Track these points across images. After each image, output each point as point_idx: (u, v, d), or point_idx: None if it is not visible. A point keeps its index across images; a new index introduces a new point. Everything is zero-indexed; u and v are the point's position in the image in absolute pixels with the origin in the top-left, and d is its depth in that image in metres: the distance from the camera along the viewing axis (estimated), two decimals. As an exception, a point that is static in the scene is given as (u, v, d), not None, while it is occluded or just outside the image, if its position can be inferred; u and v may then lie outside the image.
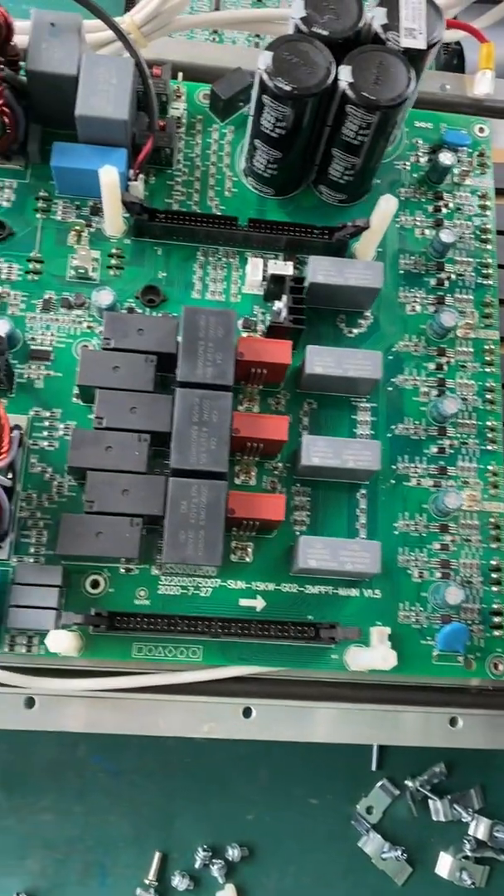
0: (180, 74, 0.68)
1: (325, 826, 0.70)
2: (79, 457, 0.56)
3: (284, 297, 0.61)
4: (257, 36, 0.81)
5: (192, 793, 0.69)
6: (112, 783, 0.70)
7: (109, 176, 0.58)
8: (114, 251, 0.64)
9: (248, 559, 0.59)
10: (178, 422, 0.55)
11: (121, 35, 0.62)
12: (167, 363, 0.58)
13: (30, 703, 0.58)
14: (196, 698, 0.59)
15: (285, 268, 0.62)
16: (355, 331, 0.65)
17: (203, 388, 0.56)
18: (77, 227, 0.63)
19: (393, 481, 0.62)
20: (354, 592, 0.59)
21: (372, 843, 0.69)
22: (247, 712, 0.59)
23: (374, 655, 0.56)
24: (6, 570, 0.56)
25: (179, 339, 0.57)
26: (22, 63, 0.62)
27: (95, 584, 0.58)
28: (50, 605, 0.54)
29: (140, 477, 0.56)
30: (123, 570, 0.58)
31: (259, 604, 0.58)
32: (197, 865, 0.67)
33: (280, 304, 0.61)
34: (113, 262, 0.64)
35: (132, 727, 0.58)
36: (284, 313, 0.60)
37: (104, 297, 0.61)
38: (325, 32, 0.59)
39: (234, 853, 0.67)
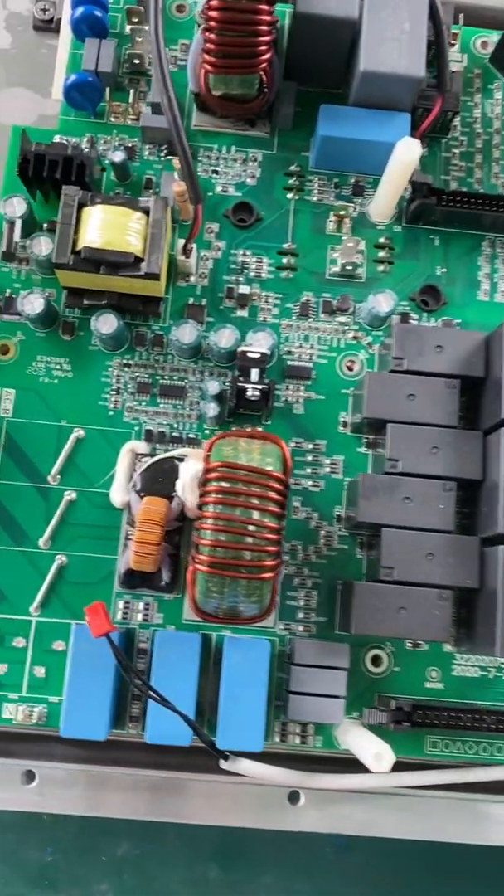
0: (461, 17, 0.55)
1: None
2: (371, 509, 0.45)
3: None
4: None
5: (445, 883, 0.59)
6: (342, 859, 0.61)
7: (410, 152, 0.46)
8: (382, 241, 0.52)
9: None
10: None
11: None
12: (472, 389, 0.47)
13: (294, 797, 0.48)
14: (487, 797, 0.48)
15: None
16: None
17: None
18: (341, 212, 0.51)
19: None
20: None
21: None
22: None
23: None
24: (271, 641, 0.46)
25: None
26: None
27: (377, 661, 0.47)
28: (337, 693, 0.44)
29: (447, 537, 0.44)
30: (410, 645, 0.47)
31: None
32: None
33: None
34: (381, 254, 0.52)
35: (414, 830, 0.48)
36: None
37: (384, 301, 0.49)
38: None
39: None
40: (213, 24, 0.46)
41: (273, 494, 0.39)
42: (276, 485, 0.39)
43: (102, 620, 0.38)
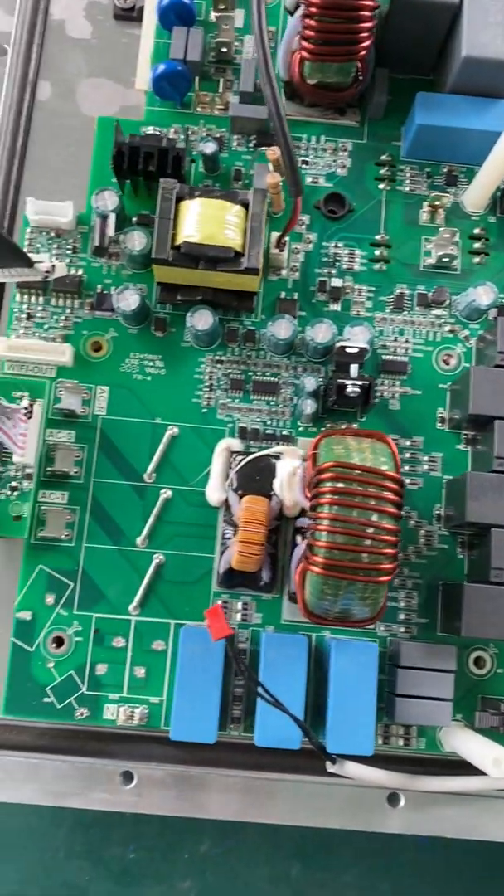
0: None
1: None
2: (479, 509, 0.43)
3: None
4: None
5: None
6: (423, 858, 0.60)
7: (521, 140, 0.45)
8: (476, 232, 0.51)
9: None
10: None
11: None
12: None
13: (393, 799, 0.48)
14: None
15: None
16: None
17: None
18: (436, 202, 0.50)
19: None
20: None
21: None
22: None
23: None
24: (372, 644, 0.45)
25: None
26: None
27: (480, 663, 0.46)
28: (444, 695, 0.43)
29: None
30: (514, 646, 0.47)
31: None
32: None
33: None
34: (476, 245, 0.51)
35: (516, 834, 0.48)
36: None
37: (484, 294, 0.48)
38: None
39: None
40: (313, 9, 0.44)
41: (390, 495, 0.38)
42: (392, 485, 0.38)
43: (222, 623, 0.38)
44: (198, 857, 0.60)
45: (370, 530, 0.38)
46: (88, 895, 0.59)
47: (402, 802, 0.47)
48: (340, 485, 0.38)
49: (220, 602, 0.46)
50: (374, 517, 0.38)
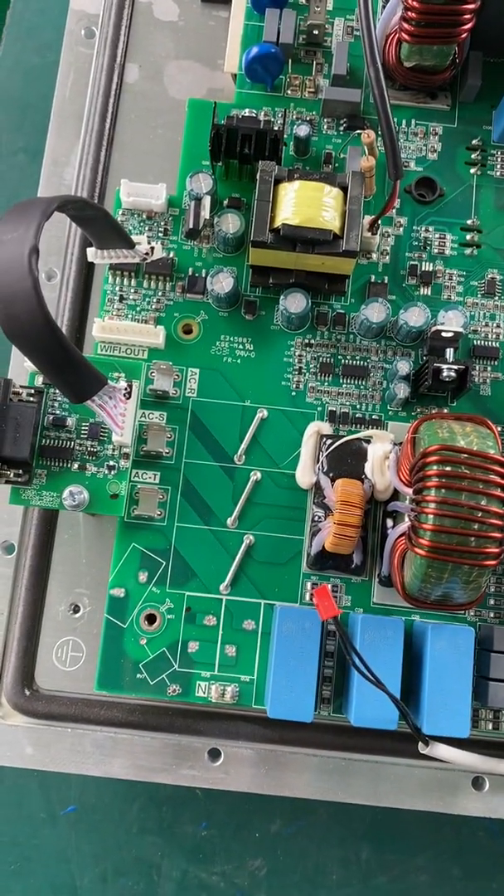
0: None
1: None
2: None
3: None
4: None
5: None
6: (495, 844, 0.60)
7: None
8: None
9: None
10: None
11: None
12: None
13: (478, 783, 0.48)
14: None
15: None
16: None
17: None
18: (530, 187, 0.50)
19: None
20: None
21: None
22: None
23: None
24: (468, 629, 0.45)
25: None
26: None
27: None
28: (539, 680, 0.43)
29: None
30: None
31: None
32: None
33: None
34: None
35: None
36: None
37: None
38: None
39: None
40: (417, -9, 0.44)
41: (497, 479, 0.38)
42: (499, 468, 0.38)
43: (329, 604, 0.38)
44: (269, 836, 0.60)
45: (478, 514, 0.38)
46: (161, 871, 0.60)
47: (487, 786, 0.48)
48: (448, 468, 0.38)
49: (313, 583, 0.47)
50: (483, 501, 0.38)
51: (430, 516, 0.38)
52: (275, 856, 0.60)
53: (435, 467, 0.39)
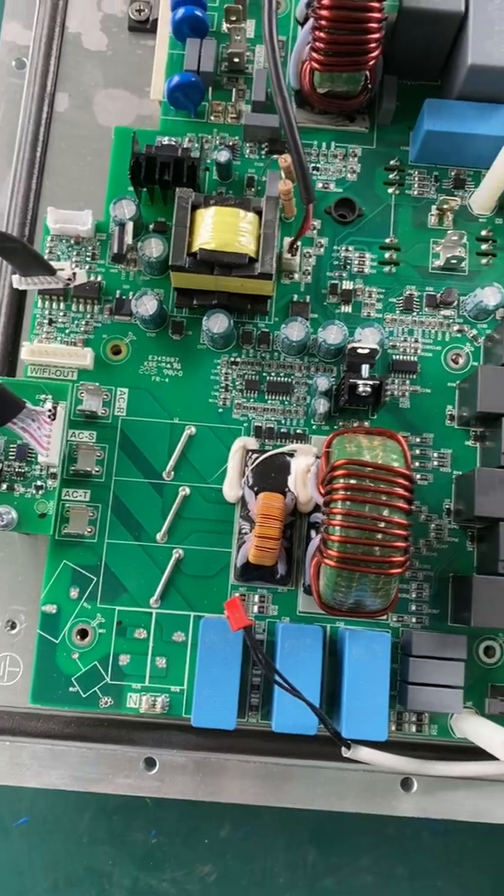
0: None
1: None
2: (487, 503, 0.45)
3: None
4: None
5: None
6: (438, 843, 0.62)
7: (522, 145, 0.46)
8: (484, 233, 0.52)
9: None
10: None
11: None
12: None
13: (406, 784, 0.49)
14: None
15: None
16: None
17: None
18: (444, 205, 0.52)
19: None
20: None
21: None
22: None
23: None
24: (385, 634, 0.47)
25: None
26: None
27: (490, 652, 0.48)
28: (455, 683, 0.45)
29: None
30: (523, 635, 0.48)
31: None
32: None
33: None
34: (484, 247, 0.52)
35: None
36: None
37: (491, 295, 0.49)
38: None
39: None
40: (324, 22, 0.46)
41: (400, 490, 0.40)
42: (402, 480, 0.40)
43: (241, 614, 0.40)
44: (217, 841, 0.62)
45: (381, 524, 0.39)
46: (112, 879, 0.61)
47: (415, 787, 0.49)
48: (353, 481, 0.40)
49: (237, 595, 0.48)
50: (386, 512, 0.40)
51: (337, 528, 0.40)
52: (224, 861, 0.61)
53: (341, 480, 0.40)
